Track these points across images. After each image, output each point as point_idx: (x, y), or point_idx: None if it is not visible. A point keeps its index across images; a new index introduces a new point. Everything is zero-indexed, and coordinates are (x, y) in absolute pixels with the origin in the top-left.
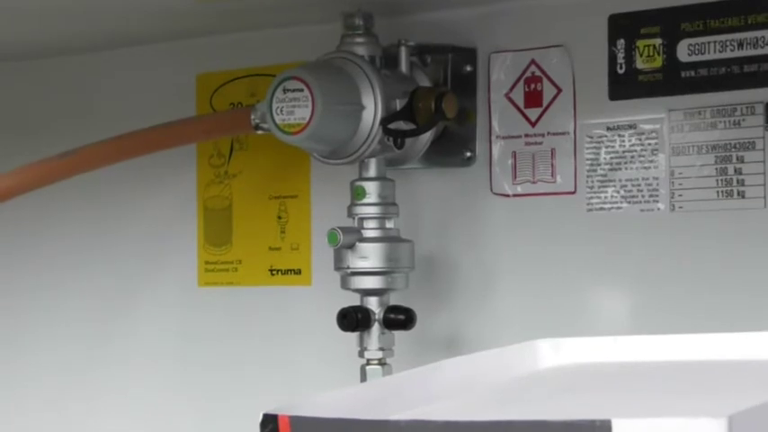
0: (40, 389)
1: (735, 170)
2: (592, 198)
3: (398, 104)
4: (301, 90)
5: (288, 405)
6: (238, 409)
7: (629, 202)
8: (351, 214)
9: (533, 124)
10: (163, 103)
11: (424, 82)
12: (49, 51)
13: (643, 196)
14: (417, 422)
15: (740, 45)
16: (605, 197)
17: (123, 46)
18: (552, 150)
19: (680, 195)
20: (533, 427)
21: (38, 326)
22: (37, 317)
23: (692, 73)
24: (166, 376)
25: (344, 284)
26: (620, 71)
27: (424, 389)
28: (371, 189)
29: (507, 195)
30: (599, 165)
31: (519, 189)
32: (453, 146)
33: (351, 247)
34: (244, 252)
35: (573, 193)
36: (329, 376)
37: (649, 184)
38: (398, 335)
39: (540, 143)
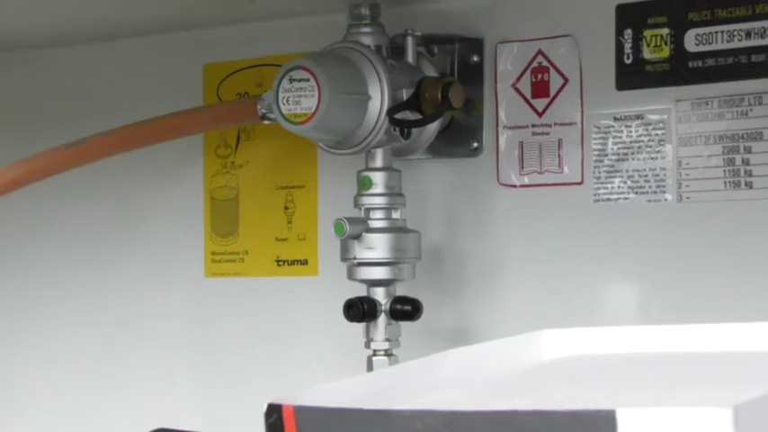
0: (46, 378)
1: (742, 160)
2: (599, 188)
3: (405, 94)
4: (307, 80)
5: (292, 395)
6: (244, 399)
7: (636, 193)
8: (357, 205)
9: (540, 114)
10: (169, 94)
11: (431, 72)
12: (56, 41)
13: (650, 187)
14: (422, 412)
15: (747, 35)
16: (612, 188)
17: (130, 36)
18: (559, 141)
19: (687, 186)
20: (538, 417)
21: (44, 318)
22: (43, 309)
23: (700, 63)
24: (173, 366)
25: (351, 275)
26: (628, 61)
27: (428, 379)
28: (378, 179)
29: (514, 186)
30: (606, 155)
31: (526, 179)
32: (460, 136)
33: (357, 237)
34: (250, 242)
35: (580, 183)
36: (335, 367)
37: (656, 175)
38: (405, 326)
39: (547, 133)
